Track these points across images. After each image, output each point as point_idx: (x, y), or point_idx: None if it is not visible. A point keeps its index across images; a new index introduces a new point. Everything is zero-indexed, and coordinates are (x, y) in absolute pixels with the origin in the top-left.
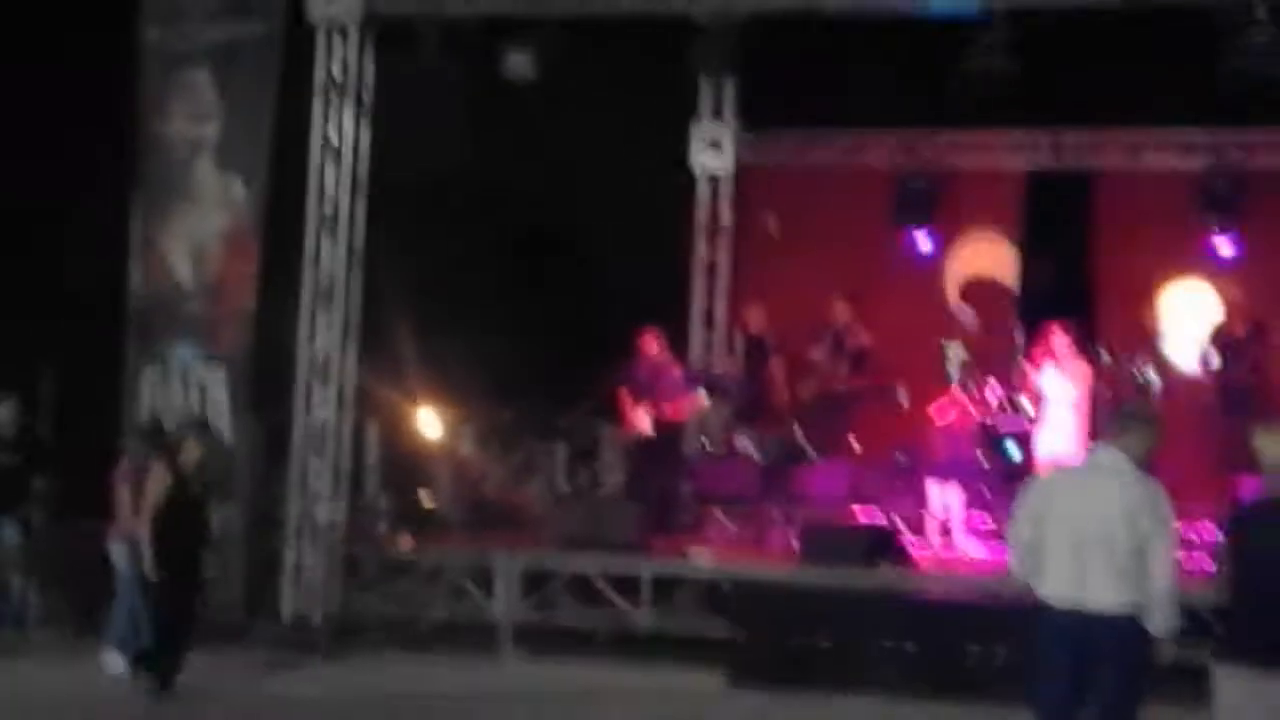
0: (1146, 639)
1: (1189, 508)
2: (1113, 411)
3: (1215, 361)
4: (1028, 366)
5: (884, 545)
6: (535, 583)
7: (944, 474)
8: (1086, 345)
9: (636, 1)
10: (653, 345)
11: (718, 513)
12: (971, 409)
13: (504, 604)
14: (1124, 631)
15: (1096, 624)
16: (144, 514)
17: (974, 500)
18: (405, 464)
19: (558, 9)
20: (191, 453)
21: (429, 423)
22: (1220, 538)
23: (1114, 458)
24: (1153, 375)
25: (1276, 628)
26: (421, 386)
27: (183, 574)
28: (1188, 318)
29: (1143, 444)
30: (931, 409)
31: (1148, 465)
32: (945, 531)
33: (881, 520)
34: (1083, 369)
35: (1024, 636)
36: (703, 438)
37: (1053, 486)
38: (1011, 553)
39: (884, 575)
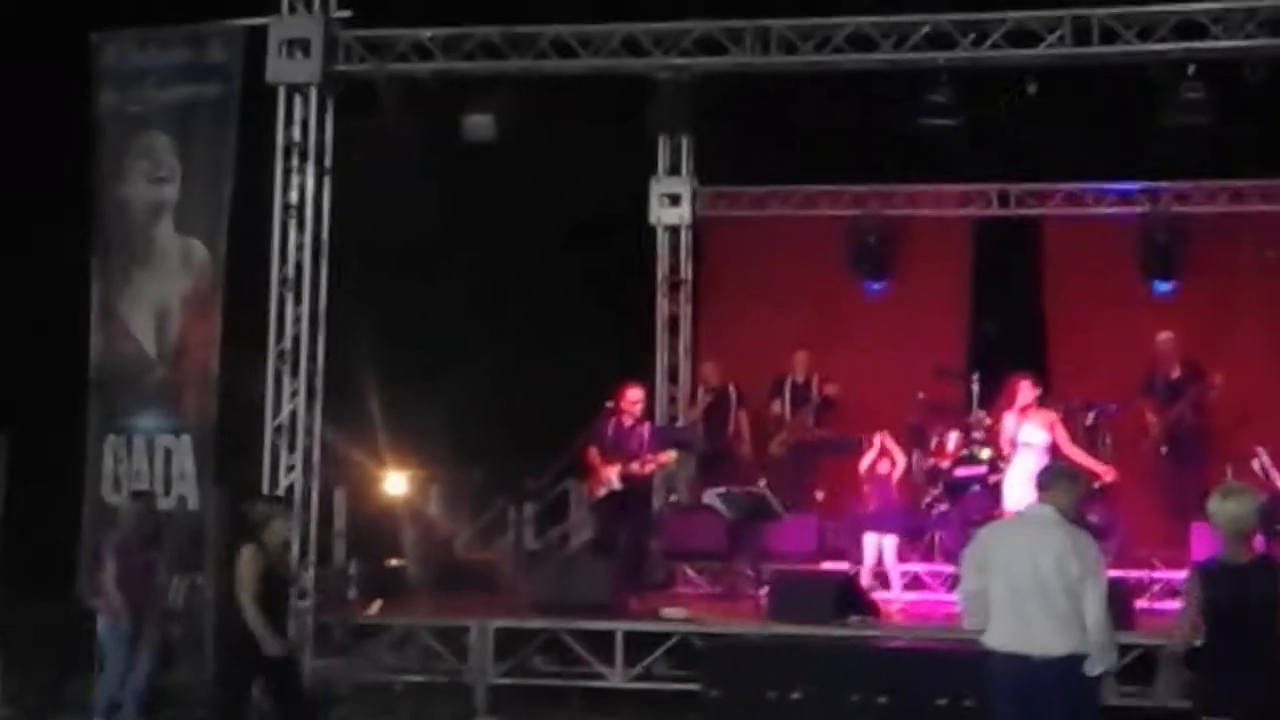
0: (1089, 681)
1: (1146, 554)
2: (1044, 470)
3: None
4: (993, 417)
5: (852, 597)
6: (508, 644)
7: (877, 524)
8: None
9: (594, 61)
10: (634, 398)
11: (687, 569)
12: (899, 458)
13: (478, 666)
14: (1067, 675)
15: (1041, 669)
16: (244, 599)
17: (914, 548)
18: (373, 527)
19: (517, 68)
20: (278, 533)
21: (396, 484)
22: (1185, 587)
23: (1044, 510)
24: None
25: (1257, 686)
26: (388, 448)
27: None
28: None
29: (1069, 497)
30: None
31: (1077, 516)
32: (882, 580)
33: (849, 572)
34: (1050, 418)
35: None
36: (671, 494)
37: (992, 539)
38: (961, 604)
39: (853, 627)
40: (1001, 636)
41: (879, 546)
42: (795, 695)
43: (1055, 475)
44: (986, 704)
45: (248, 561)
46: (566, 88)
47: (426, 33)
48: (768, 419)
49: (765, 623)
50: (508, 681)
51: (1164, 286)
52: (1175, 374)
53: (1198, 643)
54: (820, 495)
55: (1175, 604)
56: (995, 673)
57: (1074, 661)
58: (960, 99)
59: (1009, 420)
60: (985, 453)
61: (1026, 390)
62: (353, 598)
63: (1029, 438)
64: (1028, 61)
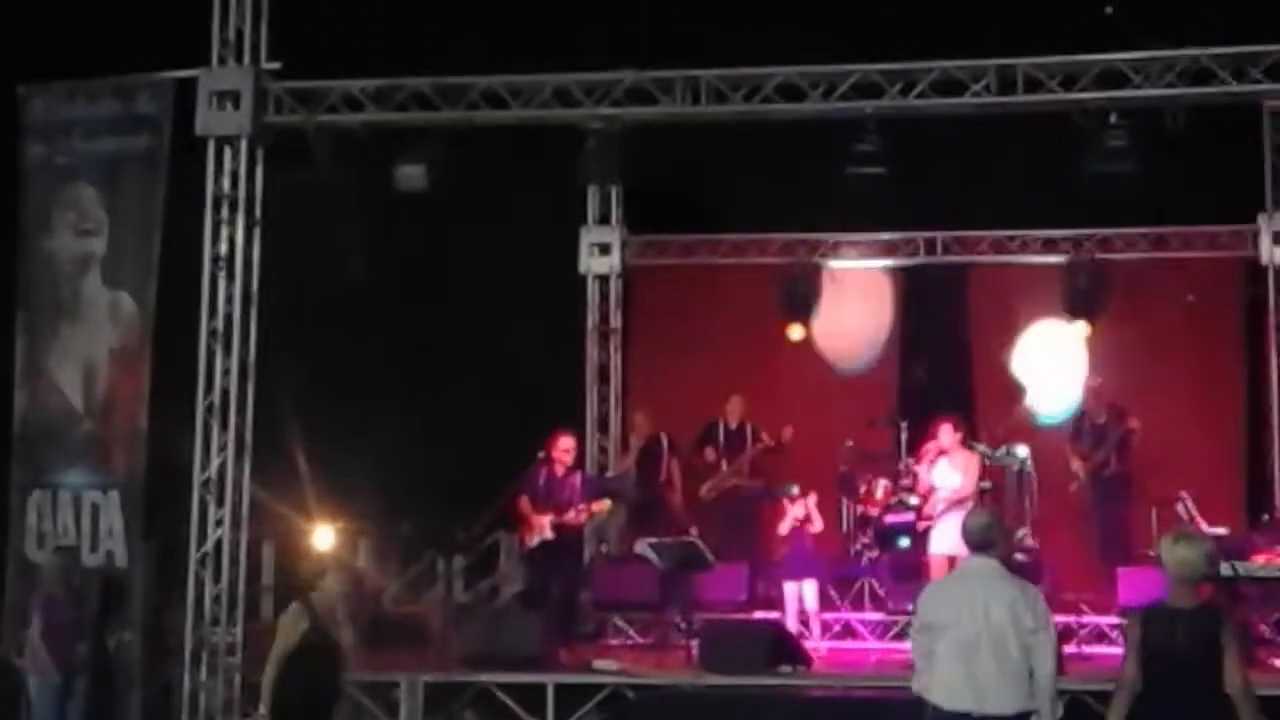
0: None
1: (1072, 599)
2: (971, 525)
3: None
4: (915, 462)
5: (783, 646)
6: (438, 698)
7: (795, 572)
8: (964, 436)
9: (525, 112)
10: (566, 446)
11: (618, 620)
12: (812, 513)
13: None
14: None
15: None
16: (270, 657)
17: (844, 596)
18: (300, 582)
19: (448, 119)
20: (329, 591)
21: (324, 538)
22: (1126, 631)
23: (988, 563)
24: (1029, 466)
25: None
26: (317, 501)
27: None
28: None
29: (1004, 548)
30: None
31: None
32: (804, 627)
33: (780, 621)
34: (973, 462)
35: None
36: (602, 544)
37: (936, 596)
38: (914, 662)
39: (785, 677)
40: (948, 693)
41: (799, 594)
42: None
43: (991, 530)
44: None
45: (286, 620)
46: (498, 138)
47: (357, 84)
48: (698, 465)
49: (697, 673)
50: None
51: (1086, 331)
52: (1101, 419)
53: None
54: (753, 543)
55: (1103, 649)
56: None
57: (1023, 718)
58: (888, 148)
59: (925, 464)
60: (913, 499)
61: (947, 433)
62: None
63: (944, 480)
64: (954, 110)
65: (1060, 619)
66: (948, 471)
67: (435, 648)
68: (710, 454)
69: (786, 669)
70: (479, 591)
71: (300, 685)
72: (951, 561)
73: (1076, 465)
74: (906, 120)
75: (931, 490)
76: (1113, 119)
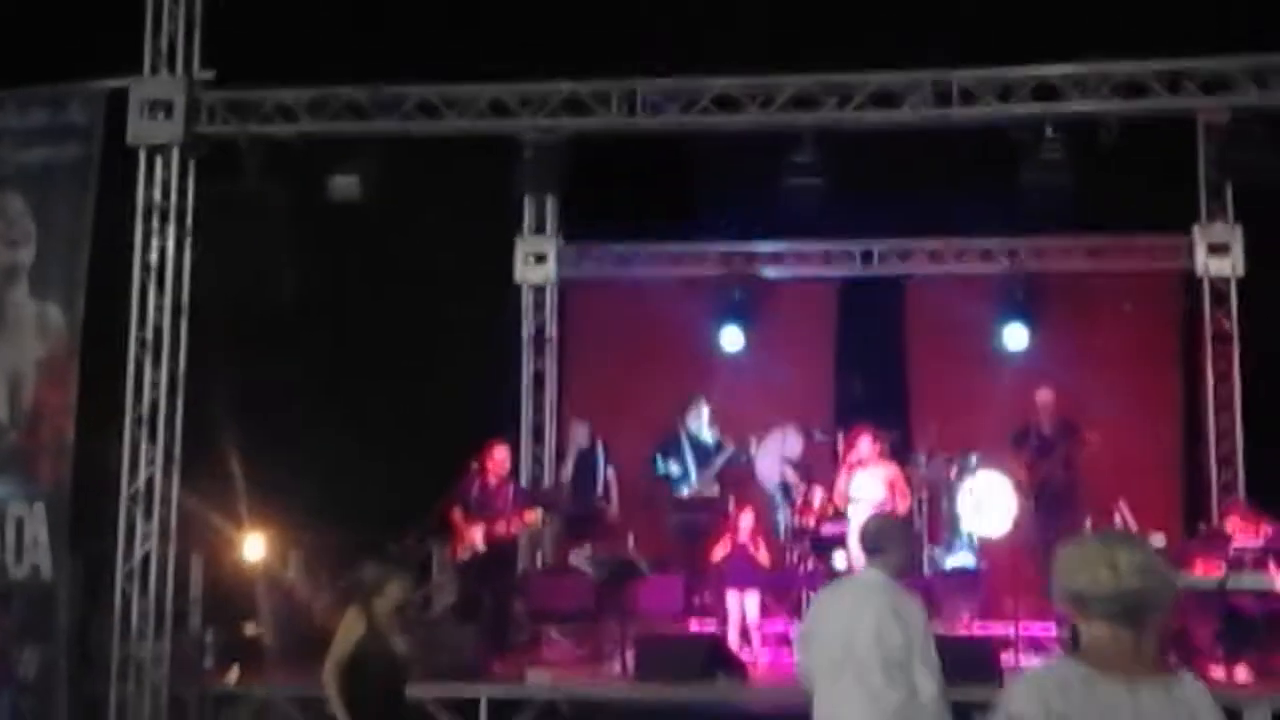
0: None
1: (1011, 608)
2: (867, 529)
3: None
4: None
5: (719, 657)
6: None
7: (739, 581)
8: (901, 449)
9: (460, 122)
10: (501, 456)
11: (553, 631)
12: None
13: None
14: None
15: None
16: (326, 667)
17: (782, 607)
18: (230, 594)
19: (381, 129)
20: (391, 597)
21: (254, 550)
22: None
23: (869, 575)
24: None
25: None
26: (247, 513)
27: None
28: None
29: (902, 553)
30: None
31: (909, 572)
32: (745, 638)
33: (716, 632)
34: (891, 473)
35: None
36: (536, 554)
37: (816, 608)
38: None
39: (720, 688)
40: (821, 710)
41: (741, 604)
42: None
43: (883, 535)
44: None
45: (345, 626)
46: (433, 148)
47: (291, 94)
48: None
49: (633, 685)
50: None
51: (1023, 342)
52: (1049, 430)
53: None
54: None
55: (1041, 659)
56: None
57: None
58: (825, 160)
59: (843, 476)
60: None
61: (865, 444)
62: (208, 667)
63: (861, 493)
64: (891, 122)
65: (999, 628)
66: (867, 483)
67: None
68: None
69: (723, 680)
70: (412, 603)
71: (356, 696)
72: None
73: (1021, 475)
74: (844, 131)
75: (846, 500)
76: (1048, 131)
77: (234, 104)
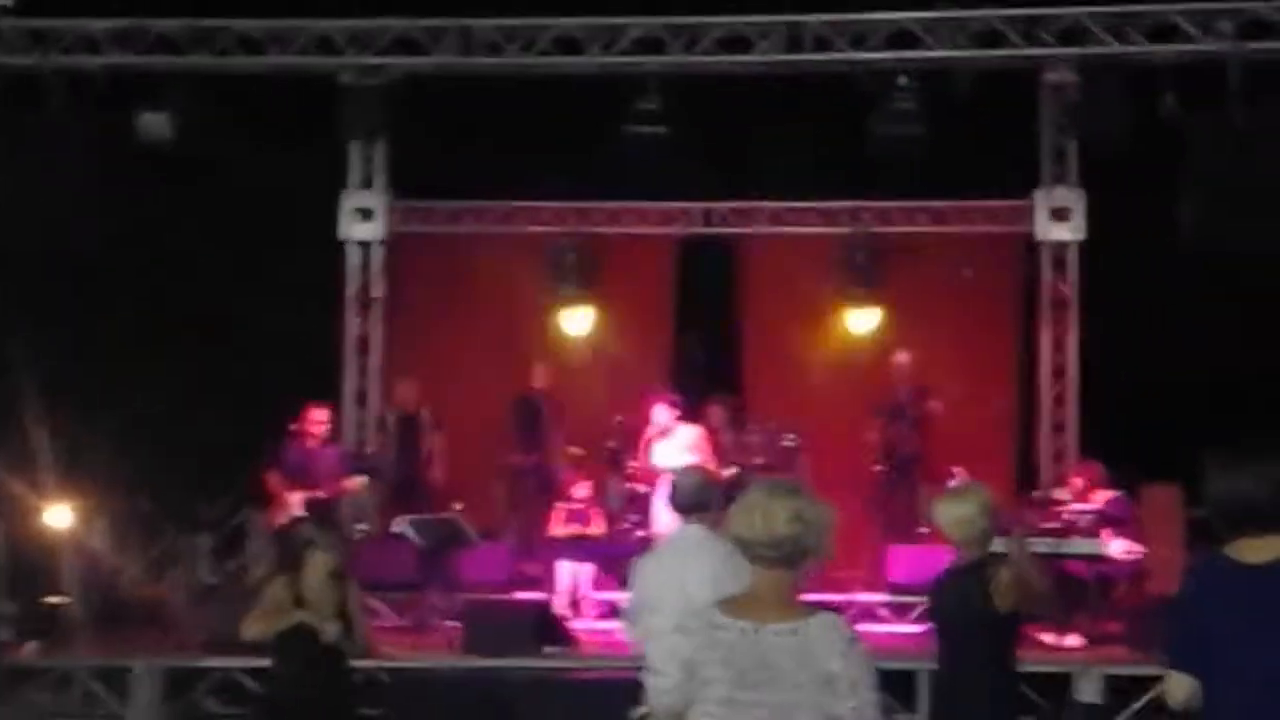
0: None
1: (844, 577)
2: (681, 485)
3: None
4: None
5: (548, 627)
6: (178, 686)
7: (573, 552)
8: (736, 416)
9: (283, 59)
10: (320, 419)
11: (375, 601)
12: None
13: (142, 710)
14: None
15: None
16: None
17: (611, 576)
18: (32, 563)
19: (194, 65)
20: (317, 569)
21: (59, 516)
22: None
23: (691, 530)
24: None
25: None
26: (52, 478)
27: None
28: None
29: (718, 511)
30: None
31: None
32: (575, 608)
33: (545, 602)
34: (692, 437)
35: None
36: (358, 523)
37: (643, 572)
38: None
39: (551, 659)
40: (656, 689)
41: (574, 575)
42: None
43: (701, 491)
44: None
45: (271, 599)
46: (253, 88)
47: (98, 24)
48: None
49: (458, 656)
50: None
51: (864, 306)
52: (903, 396)
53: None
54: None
55: (871, 627)
56: None
57: None
58: (669, 108)
59: (643, 450)
60: None
61: (662, 413)
62: (7, 639)
63: (668, 460)
64: (740, 68)
65: (831, 597)
66: (671, 452)
67: (176, 631)
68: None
69: (553, 650)
70: (225, 572)
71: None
72: None
73: (873, 439)
74: (689, 80)
75: (654, 474)
76: (901, 81)
77: (35, 33)
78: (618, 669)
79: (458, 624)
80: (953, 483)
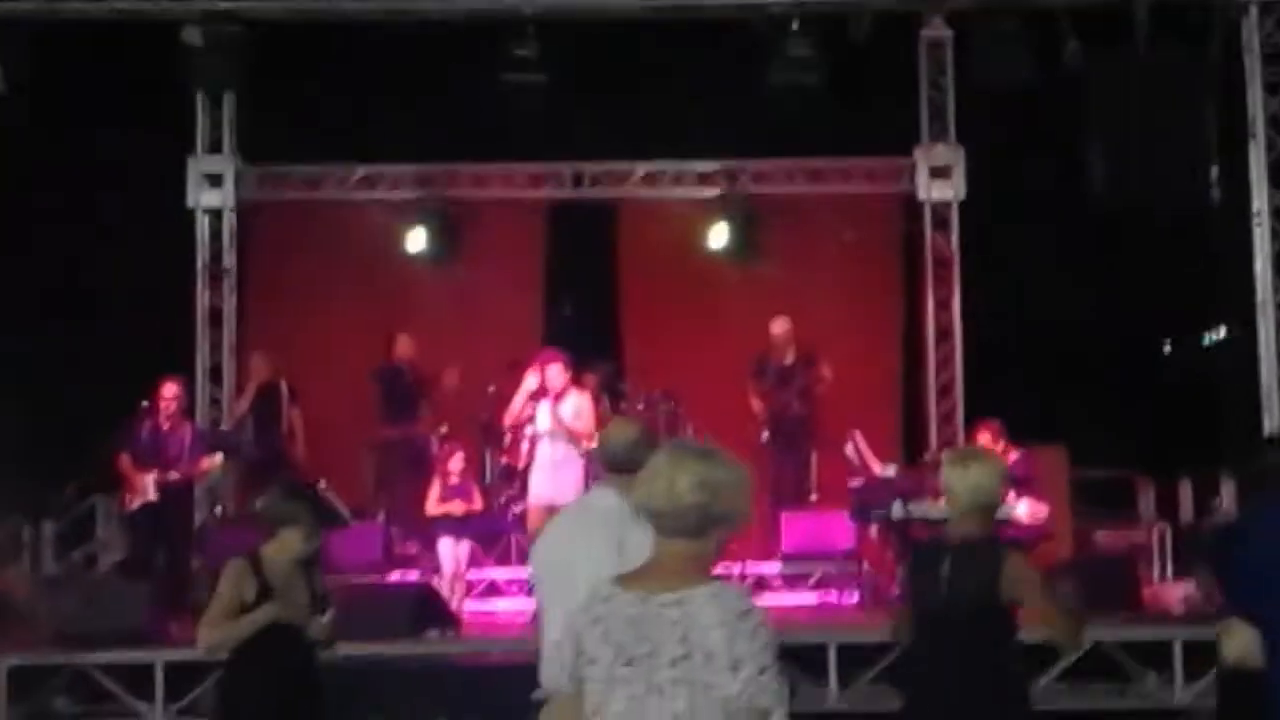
0: None
1: (735, 547)
2: (615, 438)
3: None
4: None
5: (429, 610)
6: (24, 684)
7: (453, 529)
8: (612, 380)
9: (124, 4)
10: (171, 395)
11: None
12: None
13: None
14: None
15: None
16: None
17: (489, 553)
18: None
19: (25, 9)
20: (288, 548)
21: None
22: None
23: (601, 496)
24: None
25: (961, 706)
26: None
27: None
28: None
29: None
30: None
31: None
32: (453, 589)
33: (425, 582)
34: (582, 403)
35: None
36: (215, 505)
37: (543, 542)
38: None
39: (433, 643)
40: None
41: (455, 553)
42: None
43: (641, 446)
44: None
45: (228, 579)
46: (93, 39)
47: None
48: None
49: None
50: None
51: (742, 269)
52: (788, 360)
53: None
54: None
55: (765, 597)
56: None
57: None
58: (545, 54)
59: (525, 405)
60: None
61: (556, 374)
62: None
63: (548, 424)
64: (623, 11)
65: (721, 567)
66: (551, 414)
67: (21, 626)
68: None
69: (435, 634)
70: (73, 561)
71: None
72: (551, 510)
73: (757, 406)
74: (571, 22)
75: (532, 438)
76: (794, 27)
77: None
78: (502, 650)
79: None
80: (850, 449)
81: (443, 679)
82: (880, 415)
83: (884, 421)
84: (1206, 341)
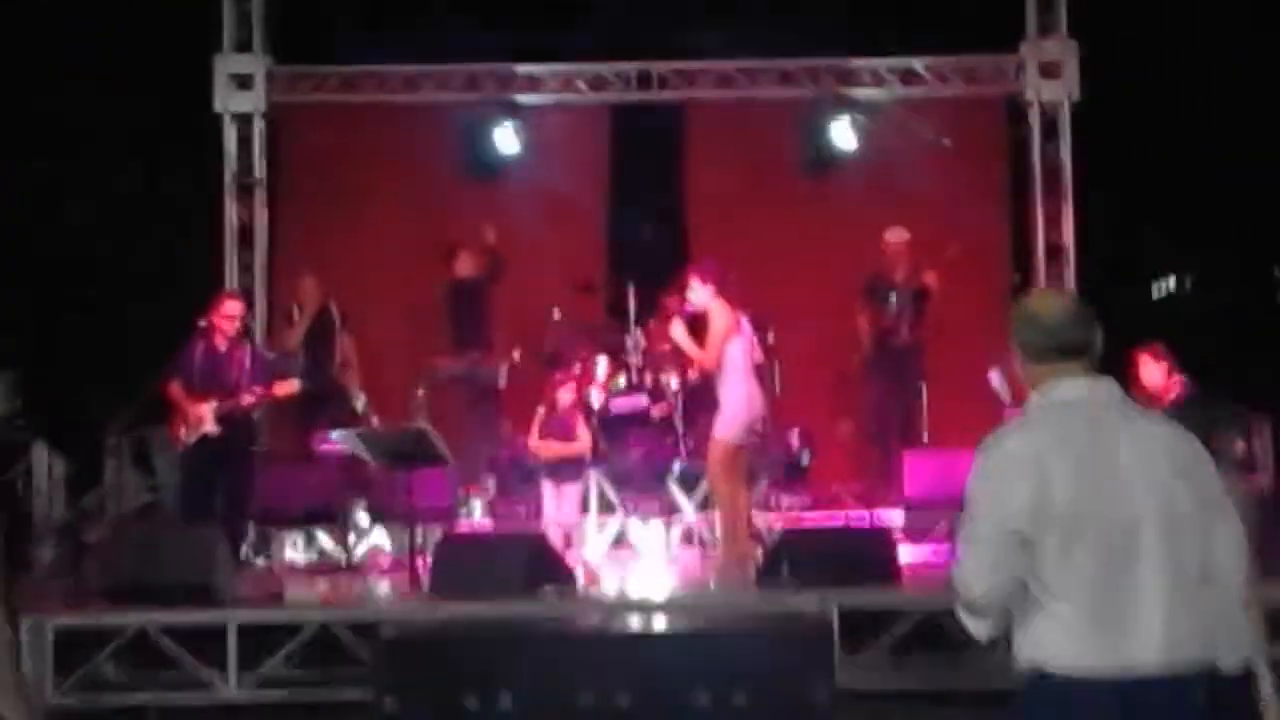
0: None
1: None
2: (1070, 314)
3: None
4: (651, 335)
5: (544, 564)
6: (73, 648)
7: (557, 472)
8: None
9: None
10: (232, 311)
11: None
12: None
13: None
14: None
15: (1148, 689)
16: None
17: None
18: None
19: None
20: None
21: None
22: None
23: (1112, 389)
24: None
25: None
26: None
27: None
28: None
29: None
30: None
31: None
32: (567, 542)
33: (538, 532)
34: (725, 320)
35: (772, 673)
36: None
37: (1047, 458)
38: (966, 596)
39: (550, 603)
40: (1080, 644)
41: (559, 499)
42: (504, 702)
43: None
44: (760, 699)
45: None
46: None
47: None
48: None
49: (430, 602)
50: (71, 702)
51: (828, 179)
52: (899, 278)
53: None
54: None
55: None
56: (1080, 705)
57: (1226, 679)
58: None
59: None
60: (646, 380)
61: (699, 290)
62: None
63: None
64: None
65: (827, 516)
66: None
67: (63, 580)
68: None
69: (551, 591)
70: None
71: None
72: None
73: (864, 330)
74: None
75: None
76: None
77: None
78: (659, 616)
79: (427, 562)
80: (995, 380)
81: (579, 647)
82: (993, 338)
83: (999, 344)
84: None
